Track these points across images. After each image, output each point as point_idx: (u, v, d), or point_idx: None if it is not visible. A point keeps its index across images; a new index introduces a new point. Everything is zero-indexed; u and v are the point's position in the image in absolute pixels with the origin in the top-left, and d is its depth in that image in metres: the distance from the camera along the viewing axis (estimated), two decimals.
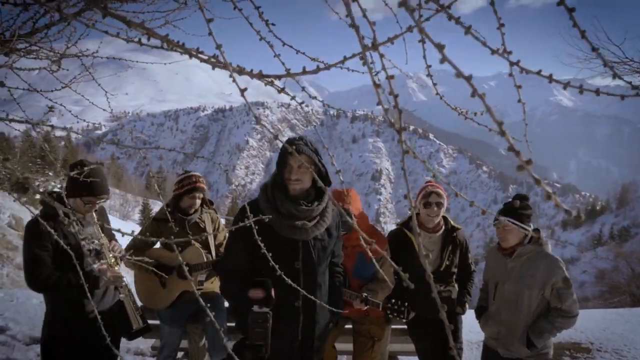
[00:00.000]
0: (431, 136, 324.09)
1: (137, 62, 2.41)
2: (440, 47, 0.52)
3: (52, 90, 1.64)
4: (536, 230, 3.23)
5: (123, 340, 3.38)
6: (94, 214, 3.08)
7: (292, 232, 2.41)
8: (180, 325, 3.75)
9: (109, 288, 3.15)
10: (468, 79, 0.55)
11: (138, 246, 3.52)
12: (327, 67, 0.64)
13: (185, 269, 0.95)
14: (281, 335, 2.38)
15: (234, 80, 0.65)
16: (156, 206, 46.92)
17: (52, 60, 1.65)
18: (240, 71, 0.66)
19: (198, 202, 3.67)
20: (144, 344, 5.09)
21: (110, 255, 3.10)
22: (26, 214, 20.03)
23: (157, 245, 3.73)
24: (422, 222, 3.58)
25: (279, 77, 0.66)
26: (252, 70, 0.67)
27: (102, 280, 2.95)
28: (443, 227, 3.60)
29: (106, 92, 1.97)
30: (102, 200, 3.04)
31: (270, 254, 2.28)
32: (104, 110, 2.14)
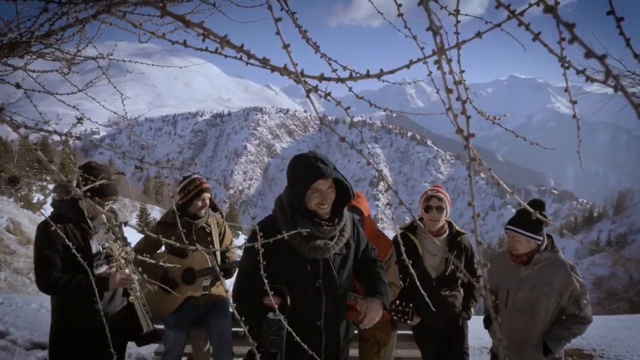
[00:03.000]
0: (429, 142, 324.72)
1: (141, 63, 2.41)
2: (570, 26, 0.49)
3: (68, 94, 1.63)
4: (549, 236, 3.22)
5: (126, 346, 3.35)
6: (103, 216, 3.07)
7: (314, 252, 2.35)
8: (185, 330, 3.72)
9: (116, 292, 3.14)
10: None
11: (143, 250, 3.51)
12: (392, 71, 0.64)
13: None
14: (304, 356, 2.36)
15: (303, 85, 0.64)
16: (153, 211, 46.79)
17: (68, 61, 1.65)
18: (302, 75, 0.65)
19: (207, 202, 3.66)
20: (146, 349, 5.05)
21: (121, 257, 3.09)
22: (24, 219, 19.94)
23: (162, 249, 3.72)
24: (425, 226, 3.58)
25: (342, 80, 0.66)
26: (322, 74, 0.65)
27: (111, 282, 2.94)
28: (447, 231, 3.59)
29: (122, 94, 1.97)
30: (110, 203, 3.05)
31: (292, 274, 2.26)
32: (116, 113, 2.14)
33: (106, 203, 3.01)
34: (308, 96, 0.65)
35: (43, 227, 2.91)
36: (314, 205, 2.34)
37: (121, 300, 3.19)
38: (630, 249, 53.14)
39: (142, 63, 1.86)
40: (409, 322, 3.27)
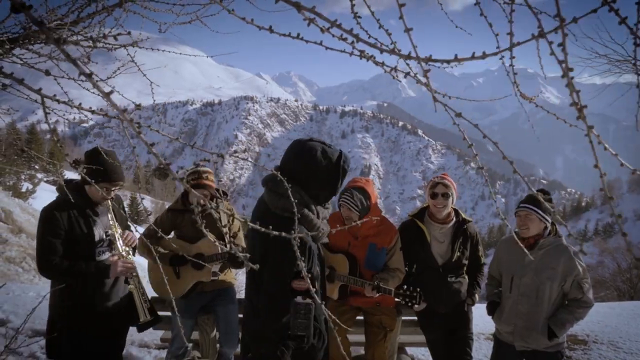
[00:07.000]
0: (420, 132, 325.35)
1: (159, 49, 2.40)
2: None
3: (106, 79, 1.63)
4: (552, 223, 3.29)
5: (128, 332, 3.35)
6: (109, 202, 3.07)
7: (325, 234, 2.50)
8: (192, 316, 3.75)
9: (118, 279, 3.14)
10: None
11: (152, 236, 3.52)
12: (498, 52, 0.66)
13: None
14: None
15: (423, 67, 0.66)
16: (144, 200, 46.40)
17: (95, 46, 1.64)
18: (408, 57, 0.67)
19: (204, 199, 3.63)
20: (149, 336, 5.07)
21: (122, 245, 3.10)
22: (15, 207, 19.74)
23: (172, 235, 3.74)
24: (432, 213, 3.62)
25: (448, 61, 0.68)
26: (430, 56, 0.67)
27: (112, 271, 2.96)
28: (454, 219, 3.64)
29: (151, 82, 1.97)
30: (118, 187, 3.03)
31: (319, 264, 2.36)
32: (136, 102, 2.13)
33: (114, 188, 2.99)
34: (426, 75, 0.67)
35: (46, 213, 2.92)
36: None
37: (123, 288, 3.20)
38: (618, 237, 53.95)
39: (169, 51, 1.86)
40: (416, 306, 3.32)
